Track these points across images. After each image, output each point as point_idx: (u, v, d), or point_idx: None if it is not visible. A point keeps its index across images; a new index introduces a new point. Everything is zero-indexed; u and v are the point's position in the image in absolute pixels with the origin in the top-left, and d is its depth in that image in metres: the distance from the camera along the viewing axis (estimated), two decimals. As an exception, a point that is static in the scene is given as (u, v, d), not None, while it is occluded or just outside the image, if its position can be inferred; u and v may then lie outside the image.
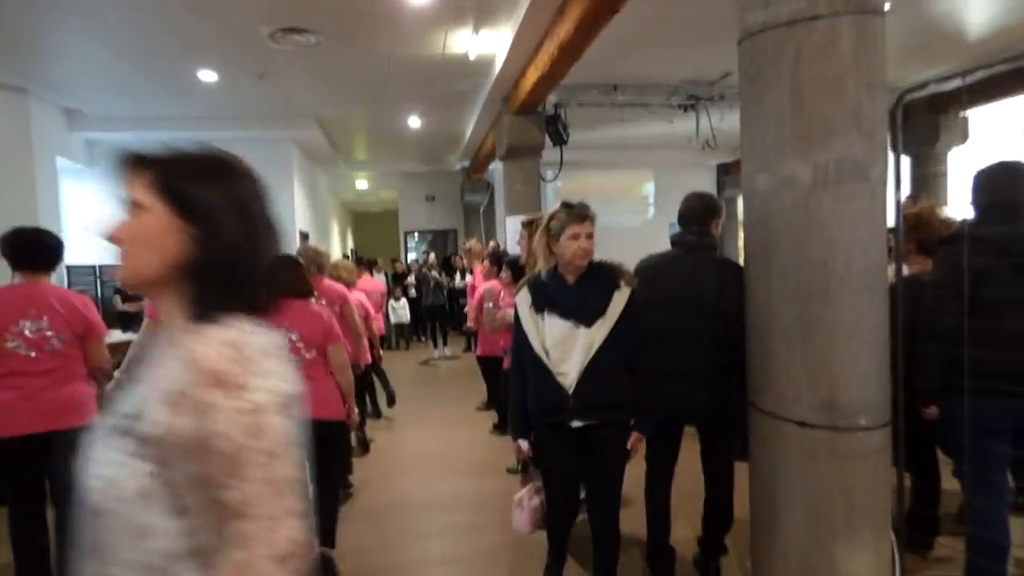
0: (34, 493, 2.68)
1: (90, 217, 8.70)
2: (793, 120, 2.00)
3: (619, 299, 2.21)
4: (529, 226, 3.54)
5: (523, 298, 2.31)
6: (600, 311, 2.19)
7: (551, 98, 7.43)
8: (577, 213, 2.20)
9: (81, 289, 6.59)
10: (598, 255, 2.34)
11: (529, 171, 7.96)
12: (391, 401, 5.88)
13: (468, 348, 9.16)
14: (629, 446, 2.29)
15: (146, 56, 6.14)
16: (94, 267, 8.09)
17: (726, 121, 8.48)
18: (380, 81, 7.23)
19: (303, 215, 10.30)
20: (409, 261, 12.81)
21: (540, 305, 2.26)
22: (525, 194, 7.91)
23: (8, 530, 2.63)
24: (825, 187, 1.94)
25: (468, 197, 13.18)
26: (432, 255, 10.88)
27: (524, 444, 2.37)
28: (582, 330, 2.19)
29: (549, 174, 8.29)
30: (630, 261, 2.55)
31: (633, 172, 12.75)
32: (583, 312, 2.20)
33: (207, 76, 6.75)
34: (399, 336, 10.58)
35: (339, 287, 3.94)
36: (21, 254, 2.67)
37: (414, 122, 9.45)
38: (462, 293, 9.61)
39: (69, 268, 7.26)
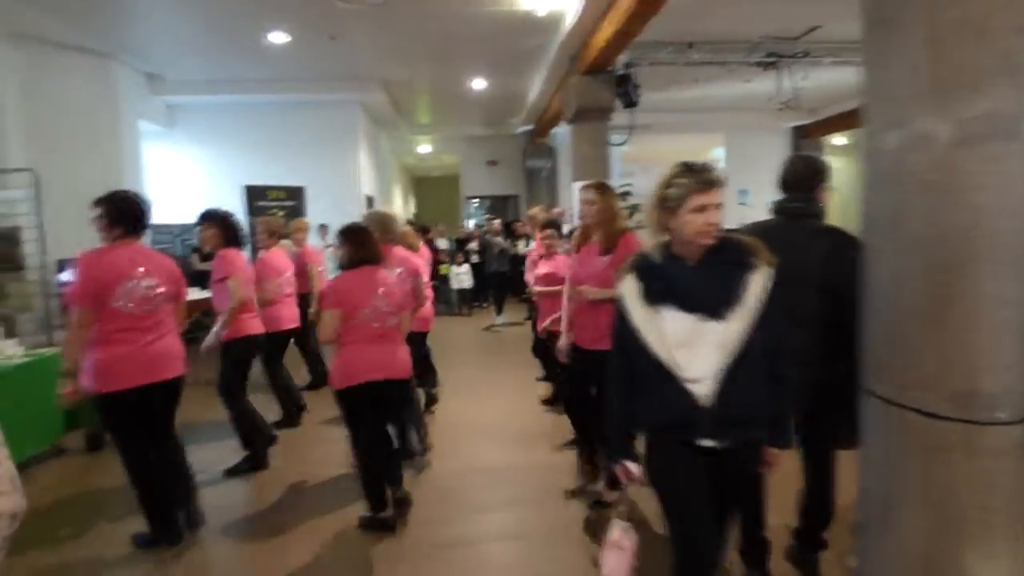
0: (149, 438, 2.95)
1: (170, 177, 9.05)
2: (930, 70, 1.75)
3: (757, 283, 1.75)
4: (600, 190, 3.14)
5: (630, 287, 1.86)
6: (734, 300, 1.74)
7: (621, 57, 7.08)
8: (704, 178, 1.74)
9: (161, 248, 6.85)
10: None
11: (597, 134, 7.68)
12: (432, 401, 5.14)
13: (529, 316, 9.07)
14: (766, 465, 1.89)
15: (221, 18, 6.22)
16: (172, 227, 8.41)
17: (811, 79, 7.93)
18: (445, 40, 7.08)
19: (368, 179, 10.36)
20: (470, 226, 12.73)
21: (654, 296, 1.81)
22: (592, 158, 7.64)
23: (127, 468, 2.89)
24: (968, 145, 1.70)
25: (530, 162, 12.97)
26: (497, 221, 10.77)
27: (635, 468, 1.91)
28: (711, 325, 1.73)
29: (615, 138, 7.98)
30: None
31: (702, 136, 12.21)
32: (712, 302, 1.75)
33: (279, 38, 6.79)
34: (461, 302, 10.60)
35: (414, 258, 3.87)
36: (127, 217, 2.83)
37: (478, 84, 9.28)
38: (523, 260, 9.51)
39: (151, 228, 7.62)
